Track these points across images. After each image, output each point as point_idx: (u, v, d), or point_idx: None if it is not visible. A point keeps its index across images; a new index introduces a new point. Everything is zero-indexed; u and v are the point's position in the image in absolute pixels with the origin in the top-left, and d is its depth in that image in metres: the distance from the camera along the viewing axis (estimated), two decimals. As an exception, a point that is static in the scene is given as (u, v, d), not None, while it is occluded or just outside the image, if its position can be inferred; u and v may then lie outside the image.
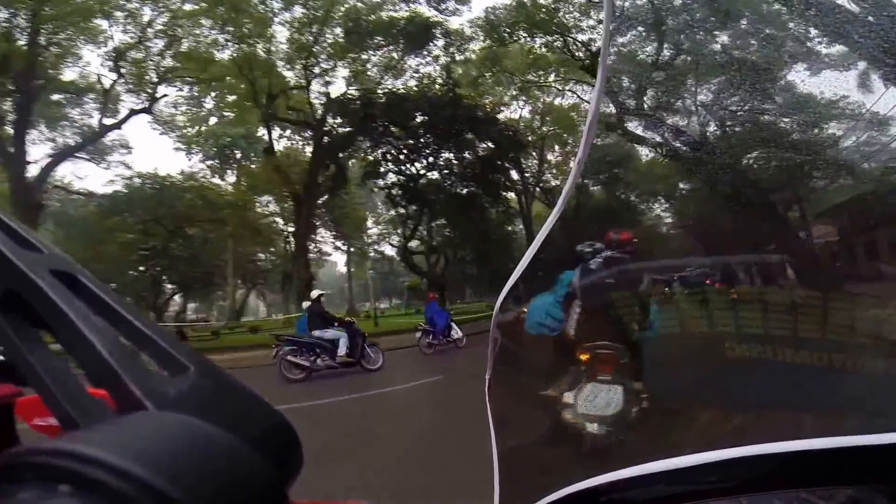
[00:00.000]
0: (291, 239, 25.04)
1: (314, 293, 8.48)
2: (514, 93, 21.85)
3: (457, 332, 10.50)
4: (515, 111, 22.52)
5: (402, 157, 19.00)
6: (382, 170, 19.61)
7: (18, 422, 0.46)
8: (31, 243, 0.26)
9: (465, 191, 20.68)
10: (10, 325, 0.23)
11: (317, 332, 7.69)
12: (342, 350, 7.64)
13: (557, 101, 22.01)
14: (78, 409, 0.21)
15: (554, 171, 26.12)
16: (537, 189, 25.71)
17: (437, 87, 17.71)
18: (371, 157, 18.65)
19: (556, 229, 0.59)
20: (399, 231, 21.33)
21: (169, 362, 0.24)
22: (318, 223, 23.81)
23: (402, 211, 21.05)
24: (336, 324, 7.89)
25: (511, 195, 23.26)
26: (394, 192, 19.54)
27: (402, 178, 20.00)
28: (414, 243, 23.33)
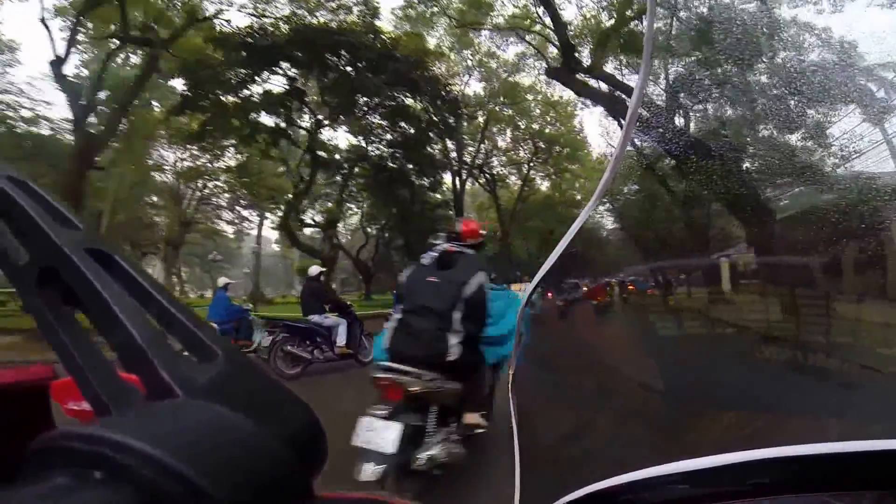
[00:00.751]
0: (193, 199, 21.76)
1: (313, 270, 7.31)
2: (467, 62, 20.67)
3: None
4: (466, 84, 21.35)
5: (295, 104, 15.46)
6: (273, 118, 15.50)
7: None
8: (69, 220, 0.27)
9: (390, 161, 18.07)
10: (45, 302, 0.24)
11: (316, 318, 6.70)
12: (342, 340, 6.69)
13: (512, 77, 21.25)
14: (110, 394, 0.23)
15: (503, 157, 25.51)
16: (482, 174, 24.91)
17: (354, 21, 14.43)
18: (253, 99, 14.56)
19: (587, 225, 0.60)
20: (294, 200, 18.00)
21: (198, 347, 0.25)
22: (227, 188, 20.94)
23: (292, 171, 17.64)
24: (328, 307, 6.91)
25: (447, 177, 21.70)
26: (277, 146, 15.83)
27: (297, 130, 16.56)
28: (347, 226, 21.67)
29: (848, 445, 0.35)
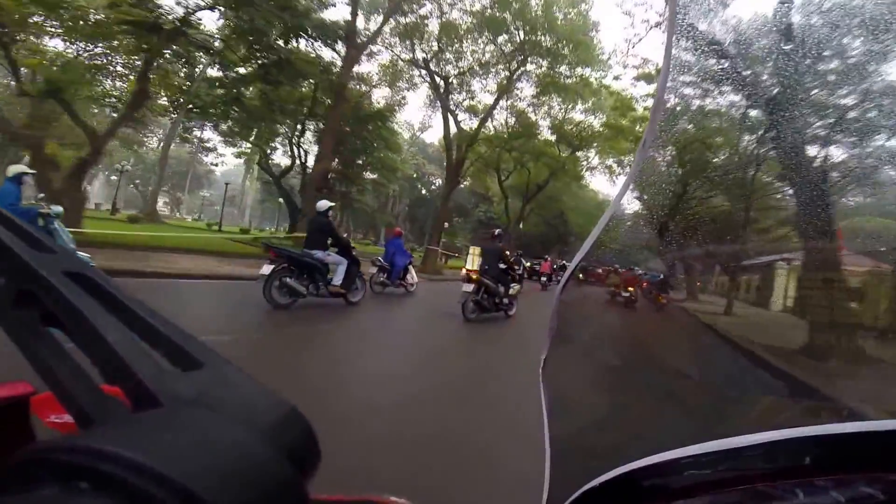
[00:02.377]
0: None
1: (322, 204, 7.73)
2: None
3: (412, 277, 10.82)
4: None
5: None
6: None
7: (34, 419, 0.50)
8: (45, 245, 0.30)
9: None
10: (23, 324, 0.27)
11: (319, 253, 7.19)
12: (338, 279, 7.31)
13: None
14: (92, 406, 0.24)
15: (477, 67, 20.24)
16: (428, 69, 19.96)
17: None
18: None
19: (620, 213, 0.60)
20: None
21: (182, 358, 0.27)
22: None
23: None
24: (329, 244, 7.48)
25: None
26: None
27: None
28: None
29: (884, 424, 0.37)
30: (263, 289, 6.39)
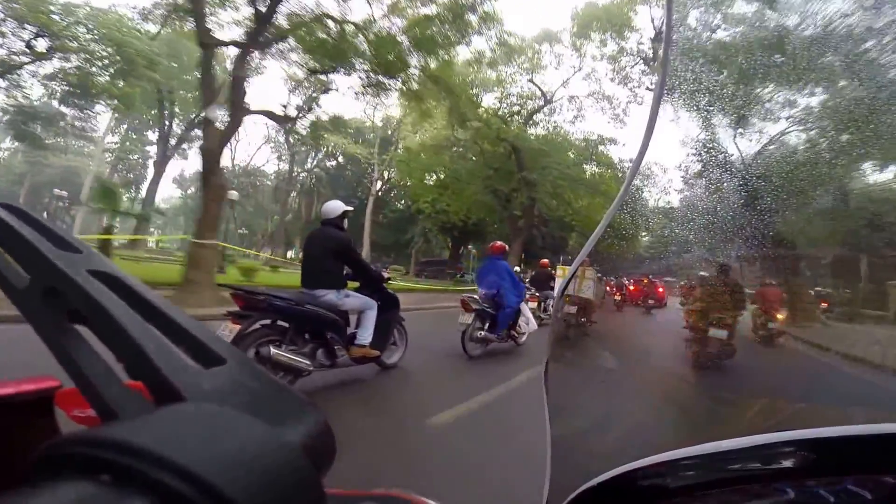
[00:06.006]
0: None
1: (334, 206, 4.28)
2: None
3: (527, 322, 6.69)
4: None
5: None
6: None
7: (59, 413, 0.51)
8: (71, 244, 0.31)
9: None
10: (50, 321, 0.29)
11: (330, 295, 3.97)
12: (366, 334, 4.13)
13: None
14: (115, 401, 0.25)
15: None
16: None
17: None
18: None
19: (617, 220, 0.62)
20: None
21: (204, 355, 0.27)
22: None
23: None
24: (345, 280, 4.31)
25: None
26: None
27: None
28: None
29: (871, 428, 0.39)
30: None
